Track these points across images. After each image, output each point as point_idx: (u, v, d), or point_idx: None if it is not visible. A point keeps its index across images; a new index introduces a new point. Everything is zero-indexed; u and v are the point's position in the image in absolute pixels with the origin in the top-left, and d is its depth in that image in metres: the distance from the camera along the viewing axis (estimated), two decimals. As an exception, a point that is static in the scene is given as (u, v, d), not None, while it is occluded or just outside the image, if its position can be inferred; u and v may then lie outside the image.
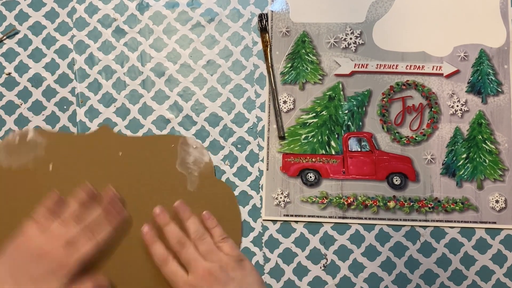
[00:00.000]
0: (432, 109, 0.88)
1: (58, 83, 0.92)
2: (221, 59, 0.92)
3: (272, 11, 0.92)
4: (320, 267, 0.85)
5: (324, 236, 0.86)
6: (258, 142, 0.89)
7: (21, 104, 0.91)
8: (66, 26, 0.94)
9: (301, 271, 0.85)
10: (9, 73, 0.93)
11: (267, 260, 0.85)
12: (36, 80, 0.92)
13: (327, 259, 0.85)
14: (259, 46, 0.92)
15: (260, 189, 0.88)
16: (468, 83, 0.89)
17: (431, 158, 0.87)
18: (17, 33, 0.94)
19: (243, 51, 0.92)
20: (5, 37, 0.94)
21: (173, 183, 0.86)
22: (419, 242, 0.85)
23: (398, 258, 0.85)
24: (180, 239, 0.80)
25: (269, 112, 0.89)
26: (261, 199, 0.87)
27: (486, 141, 0.87)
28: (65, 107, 0.91)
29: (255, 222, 0.86)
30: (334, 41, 0.91)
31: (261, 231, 0.86)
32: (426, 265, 0.85)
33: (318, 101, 0.89)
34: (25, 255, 0.76)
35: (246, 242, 0.86)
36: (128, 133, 0.90)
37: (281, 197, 0.87)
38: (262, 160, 0.88)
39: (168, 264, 0.79)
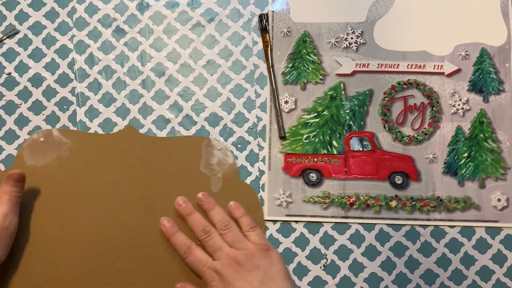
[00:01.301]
0: (434, 108, 0.88)
1: (58, 83, 0.92)
2: (221, 59, 0.92)
3: (273, 11, 0.92)
4: (320, 267, 0.85)
5: (324, 236, 0.86)
6: (258, 142, 0.89)
7: (21, 104, 0.91)
8: (66, 26, 0.94)
9: (301, 271, 0.85)
10: (9, 73, 0.92)
11: (268, 260, 0.85)
12: (36, 80, 0.92)
13: (327, 259, 0.85)
14: (259, 46, 0.92)
15: (260, 189, 0.88)
16: (469, 82, 0.89)
17: (433, 157, 0.87)
18: (17, 33, 0.94)
19: (243, 51, 0.92)
20: (5, 37, 0.94)
21: (196, 185, 0.86)
22: (419, 242, 0.85)
23: (398, 258, 0.85)
24: (205, 227, 0.82)
25: (270, 112, 0.89)
26: (261, 199, 0.87)
27: (488, 140, 0.87)
28: (65, 107, 0.91)
29: (256, 222, 0.86)
30: (335, 41, 0.91)
31: (262, 231, 0.86)
32: (426, 265, 0.85)
33: (320, 101, 0.89)
34: None
35: (246, 242, 0.86)
36: (129, 134, 0.90)
37: (283, 197, 0.86)
38: (263, 160, 0.88)
39: (192, 252, 0.80)
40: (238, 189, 0.87)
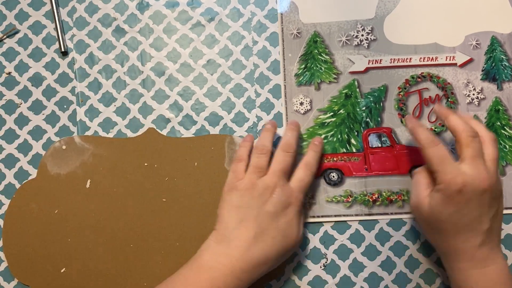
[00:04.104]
0: (449, 99, 0.88)
1: (58, 82, 0.91)
2: (221, 59, 0.92)
3: (281, 13, 0.92)
4: (320, 267, 0.85)
5: (324, 236, 0.86)
6: None
7: (21, 104, 0.91)
8: (66, 25, 0.93)
9: (301, 270, 0.85)
10: (9, 73, 0.92)
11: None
12: (36, 80, 0.92)
13: (327, 259, 0.85)
14: (259, 45, 0.92)
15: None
16: (482, 70, 0.89)
17: (452, 148, 0.87)
18: (17, 32, 0.93)
19: (243, 50, 0.92)
20: (5, 37, 0.93)
21: (222, 182, 0.84)
22: (419, 241, 0.85)
23: (398, 258, 0.85)
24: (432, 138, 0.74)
25: (286, 116, 0.89)
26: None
27: (505, 127, 0.87)
28: (65, 106, 0.91)
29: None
30: (346, 39, 0.91)
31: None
32: (426, 265, 0.84)
33: (335, 100, 0.89)
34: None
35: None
36: (129, 132, 0.90)
37: (305, 199, 0.86)
38: None
39: (437, 145, 0.73)
40: None
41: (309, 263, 0.85)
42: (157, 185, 0.87)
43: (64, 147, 0.88)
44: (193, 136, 0.89)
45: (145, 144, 0.89)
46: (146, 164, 0.88)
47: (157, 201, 0.87)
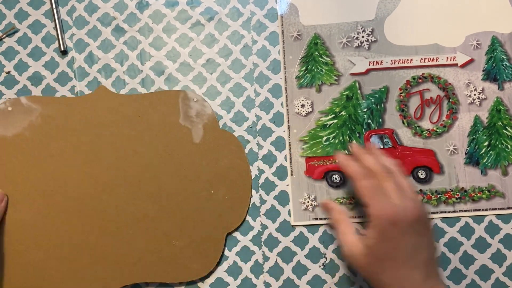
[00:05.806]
0: (450, 100, 0.88)
1: (58, 81, 0.91)
2: (220, 58, 0.92)
3: (281, 16, 0.91)
4: (319, 266, 0.85)
5: (324, 235, 0.86)
6: (258, 141, 0.89)
7: None
8: (66, 24, 0.93)
9: (300, 270, 0.85)
10: (9, 72, 0.92)
11: (266, 259, 0.86)
12: (36, 79, 0.91)
13: (326, 258, 0.85)
14: (259, 45, 0.92)
15: (260, 188, 0.87)
16: (483, 71, 0.89)
17: (454, 149, 0.87)
18: (16, 31, 0.93)
19: (243, 49, 0.92)
20: (4, 36, 0.93)
21: (178, 137, 0.86)
22: None
23: None
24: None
25: (288, 118, 0.89)
26: (260, 198, 0.87)
27: (507, 127, 0.87)
28: None
29: (254, 221, 0.87)
30: (346, 41, 0.90)
31: (260, 230, 0.86)
32: None
33: (336, 102, 0.89)
34: None
35: (245, 241, 0.86)
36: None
37: (308, 201, 0.86)
38: (262, 159, 0.88)
39: (368, 179, 0.76)
40: (219, 137, 0.87)
41: (308, 263, 0.85)
42: (109, 143, 0.87)
43: (10, 108, 0.88)
44: (146, 93, 0.90)
45: (97, 102, 0.88)
46: (97, 122, 0.87)
47: (110, 159, 0.86)
